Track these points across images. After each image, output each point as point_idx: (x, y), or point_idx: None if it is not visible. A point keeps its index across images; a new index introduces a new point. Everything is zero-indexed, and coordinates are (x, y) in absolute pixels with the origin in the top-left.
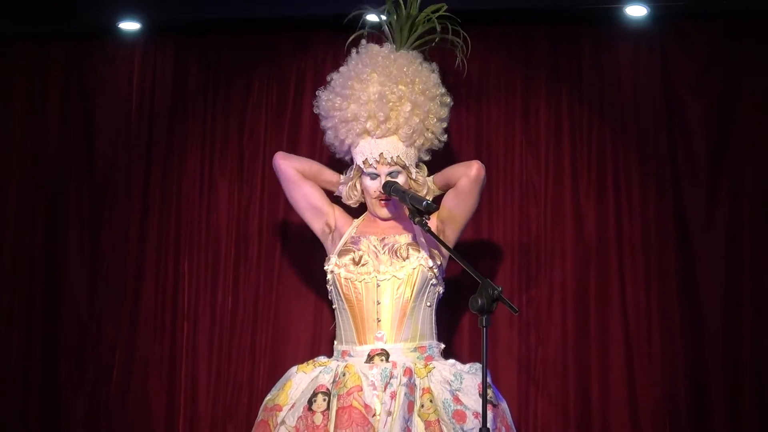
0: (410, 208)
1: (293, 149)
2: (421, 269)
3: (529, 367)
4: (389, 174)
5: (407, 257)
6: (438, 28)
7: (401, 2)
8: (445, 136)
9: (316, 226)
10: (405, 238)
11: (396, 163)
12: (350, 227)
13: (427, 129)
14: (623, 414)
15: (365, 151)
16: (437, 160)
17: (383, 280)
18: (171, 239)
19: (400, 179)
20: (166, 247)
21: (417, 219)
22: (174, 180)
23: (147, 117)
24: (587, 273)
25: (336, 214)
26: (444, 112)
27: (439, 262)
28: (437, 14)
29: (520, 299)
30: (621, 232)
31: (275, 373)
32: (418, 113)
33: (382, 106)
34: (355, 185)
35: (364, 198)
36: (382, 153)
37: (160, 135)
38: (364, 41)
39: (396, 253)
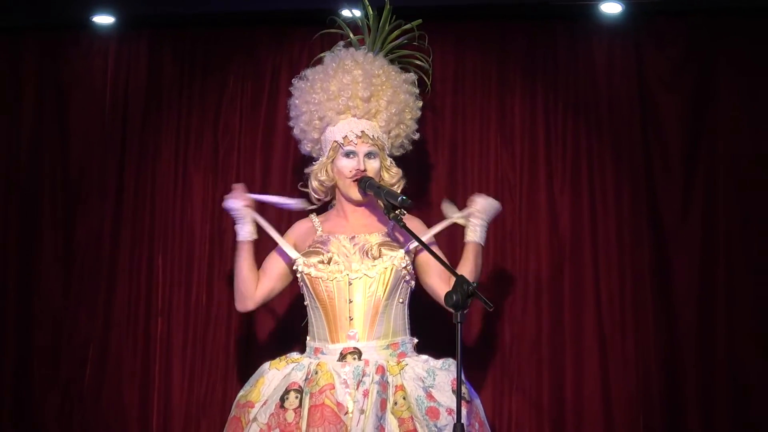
0: (385, 204)
1: (268, 144)
2: (394, 269)
3: (503, 362)
4: (367, 154)
5: (379, 257)
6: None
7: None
8: (417, 136)
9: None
10: (376, 237)
11: (375, 144)
12: (314, 230)
13: (403, 122)
14: (597, 409)
15: (345, 128)
16: (413, 159)
17: (355, 278)
18: (145, 235)
19: (375, 164)
20: (140, 243)
21: (392, 215)
22: (148, 175)
23: (121, 112)
24: (562, 268)
25: (294, 243)
26: (417, 113)
27: (411, 258)
28: (407, 35)
29: (495, 295)
30: (595, 227)
31: (250, 369)
32: (397, 102)
33: (367, 85)
34: (326, 169)
35: (334, 182)
36: (363, 131)
37: (135, 130)
38: (342, 43)
39: (367, 253)
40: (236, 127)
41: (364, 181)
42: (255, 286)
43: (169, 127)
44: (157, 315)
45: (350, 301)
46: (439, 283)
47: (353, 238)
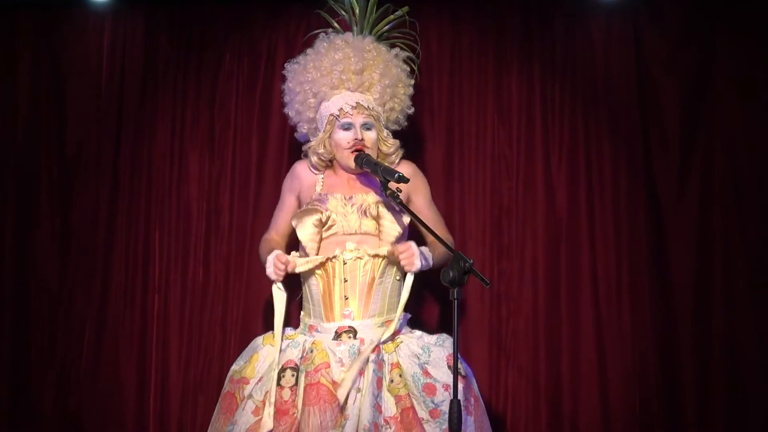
0: (382, 180)
1: (264, 122)
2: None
3: (500, 339)
4: (363, 125)
5: (377, 215)
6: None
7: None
8: (411, 110)
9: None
10: (373, 197)
11: (371, 114)
12: (315, 185)
13: (396, 96)
14: (593, 387)
15: (340, 101)
16: (409, 137)
17: (350, 259)
18: (141, 212)
19: (372, 134)
20: (136, 220)
21: (389, 191)
22: (144, 153)
23: (117, 89)
24: (558, 246)
25: (299, 190)
26: (411, 90)
27: (404, 226)
28: (395, 20)
29: (492, 272)
30: (592, 206)
31: (246, 345)
32: (390, 75)
33: (359, 59)
34: (324, 143)
35: (332, 155)
36: (358, 102)
37: (131, 107)
38: (330, 30)
39: (365, 212)
40: (232, 105)
41: (361, 158)
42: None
43: (165, 105)
44: (154, 292)
45: (345, 281)
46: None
47: (351, 198)
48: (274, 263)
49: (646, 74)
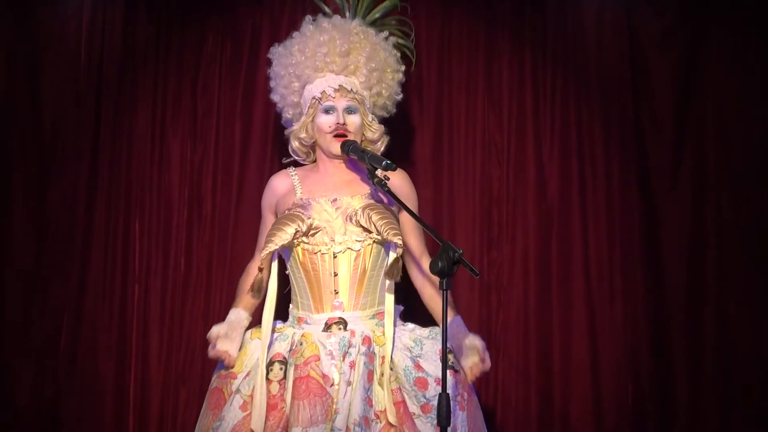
0: (369, 168)
1: (248, 105)
2: (376, 244)
3: (489, 330)
4: (347, 109)
5: (367, 222)
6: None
7: None
8: (400, 96)
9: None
10: (359, 200)
11: (354, 98)
12: (294, 189)
13: (383, 81)
14: (585, 378)
15: (323, 84)
16: (398, 122)
17: (339, 252)
18: (121, 199)
19: (355, 119)
20: (115, 207)
21: (376, 179)
22: (124, 137)
23: (96, 71)
24: (549, 234)
25: (276, 203)
26: (399, 75)
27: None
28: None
29: (481, 261)
30: (584, 192)
31: None
32: (377, 60)
33: (344, 41)
34: (307, 127)
35: (314, 140)
36: (341, 84)
37: (110, 90)
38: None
39: (350, 218)
40: (215, 88)
41: (347, 145)
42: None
43: (146, 88)
44: (134, 281)
45: (335, 275)
46: (410, 257)
47: (335, 201)
48: (214, 352)
49: (639, 56)
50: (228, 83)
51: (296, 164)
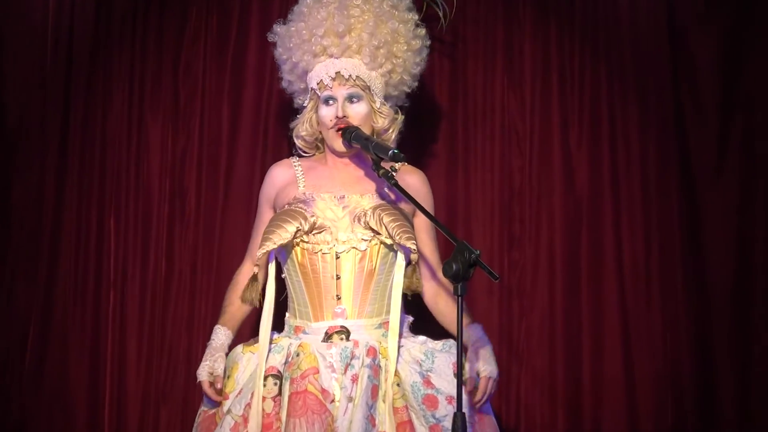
0: (373, 158)
1: (237, 88)
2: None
3: (511, 341)
4: (349, 98)
5: (377, 224)
6: None
7: None
8: (419, 68)
9: None
10: (369, 200)
11: (356, 84)
12: (296, 182)
13: (394, 56)
14: (618, 393)
15: (320, 72)
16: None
17: (343, 251)
18: (94, 193)
19: (360, 108)
20: (88, 202)
21: (381, 171)
22: (97, 124)
23: (65, 51)
24: (578, 232)
25: (275, 195)
26: (417, 43)
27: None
28: None
29: (501, 263)
30: (617, 184)
31: None
32: (383, 33)
33: (342, 19)
34: (309, 122)
35: (317, 135)
36: (339, 71)
37: (81, 71)
38: None
39: (359, 219)
40: (199, 69)
41: (348, 132)
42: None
43: (122, 68)
44: (109, 286)
45: (338, 278)
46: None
47: (342, 198)
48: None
49: (679, 30)
50: (214, 63)
51: (300, 155)
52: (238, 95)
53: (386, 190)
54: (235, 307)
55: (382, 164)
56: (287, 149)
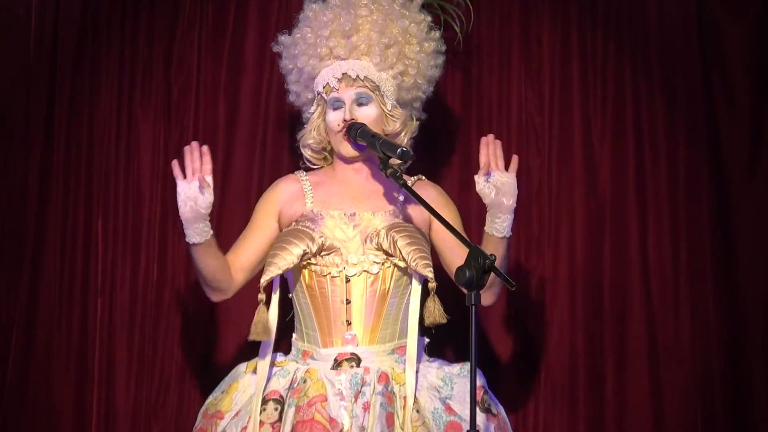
0: (381, 157)
1: (234, 83)
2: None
3: (528, 354)
4: (357, 100)
5: (390, 246)
6: None
7: None
8: (434, 72)
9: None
10: (382, 219)
11: (364, 85)
12: (303, 197)
13: (408, 56)
14: (644, 408)
15: (327, 75)
16: None
17: (354, 275)
18: (81, 193)
19: (369, 110)
20: (74, 203)
21: (390, 171)
22: (84, 120)
23: (50, 43)
24: (601, 236)
25: (279, 210)
26: (430, 45)
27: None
28: None
29: (518, 270)
30: (643, 184)
31: (213, 364)
32: (392, 33)
33: (349, 18)
34: (317, 130)
35: (325, 144)
36: (346, 72)
37: (67, 65)
38: None
39: (370, 240)
40: (194, 62)
41: (354, 129)
42: (229, 274)
43: (110, 61)
44: (97, 293)
45: (348, 302)
46: (454, 261)
47: (353, 216)
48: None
49: (710, 18)
50: (209, 55)
51: (307, 168)
52: (235, 90)
53: (406, 208)
54: (217, 265)
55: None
56: (287, 148)
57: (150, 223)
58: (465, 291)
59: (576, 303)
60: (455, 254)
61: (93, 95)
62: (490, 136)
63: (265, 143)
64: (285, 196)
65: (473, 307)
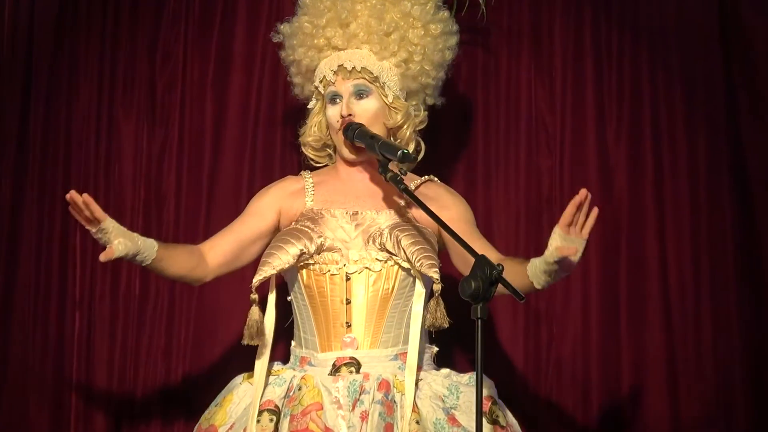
0: (380, 160)
1: (223, 78)
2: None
3: (539, 371)
4: (356, 93)
5: (394, 246)
6: None
7: None
8: (442, 56)
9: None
10: (386, 218)
11: (362, 76)
12: (304, 196)
13: (412, 42)
14: (663, 423)
15: (323, 68)
16: None
17: (354, 272)
18: (58, 199)
19: (369, 104)
20: (50, 212)
21: (389, 174)
22: (61, 120)
23: (24, 34)
24: (617, 245)
25: (279, 206)
26: (437, 27)
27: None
28: None
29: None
30: (661, 188)
31: (199, 381)
32: (394, 14)
33: (346, 5)
34: (319, 125)
35: (325, 141)
36: (341, 64)
37: (42, 60)
38: None
39: (373, 239)
40: (180, 55)
41: (351, 130)
42: (200, 268)
43: (90, 57)
44: (74, 308)
45: (348, 302)
46: (463, 266)
47: (355, 215)
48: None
49: (733, 11)
50: (196, 50)
51: (313, 168)
52: (224, 87)
53: (411, 207)
54: (180, 248)
55: (391, 167)
56: (279, 148)
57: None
58: (471, 303)
59: (589, 317)
60: (463, 259)
61: (71, 93)
62: (585, 196)
63: (255, 144)
64: (287, 191)
65: (479, 321)
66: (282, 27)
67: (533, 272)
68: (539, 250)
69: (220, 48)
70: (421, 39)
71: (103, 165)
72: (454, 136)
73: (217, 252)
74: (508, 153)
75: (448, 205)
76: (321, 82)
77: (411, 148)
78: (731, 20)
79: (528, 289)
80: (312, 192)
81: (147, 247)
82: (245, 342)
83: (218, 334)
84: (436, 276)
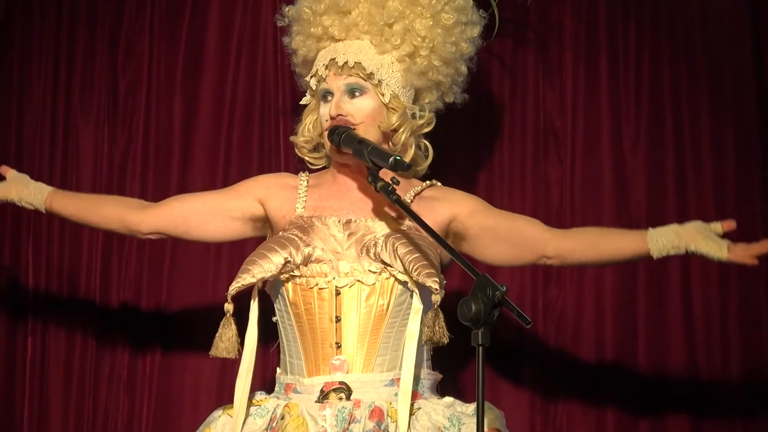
0: (370, 167)
1: (193, 76)
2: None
3: (546, 408)
4: (348, 91)
5: (390, 256)
6: None
7: None
8: (456, 50)
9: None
10: (382, 226)
11: (356, 72)
12: (295, 200)
13: (418, 33)
14: None
15: (318, 62)
16: None
17: (345, 286)
18: (7, 213)
19: (363, 103)
20: (0, 222)
21: (380, 184)
22: (11, 122)
23: None
24: (634, 264)
25: (264, 198)
26: (449, 17)
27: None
28: None
29: (535, 304)
30: (685, 201)
31: (168, 416)
32: (400, 2)
33: None
34: (313, 123)
35: (318, 141)
36: (333, 57)
37: None
38: None
39: (367, 250)
40: (145, 50)
41: (337, 135)
42: (127, 208)
43: (43, 48)
44: (26, 335)
45: (338, 320)
46: (509, 249)
47: (348, 223)
48: None
49: (763, 5)
50: (163, 44)
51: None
52: (194, 86)
53: (407, 222)
54: (100, 203)
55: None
56: (256, 152)
57: (91, 249)
58: (471, 328)
59: (604, 344)
60: (479, 218)
61: (22, 91)
62: None
63: (229, 148)
64: (278, 183)
65: (480, 348)
66: (287, 10)
67: (669, 238)
68: (549, 270)
69: (190, 41)
70: (430, 30)
71: (59, 172)
72: (452, 144)
73: (171, 207)
74: (512, 161)
75: (459, 202)
76: (313, 76)
77: (409, 154)
78: (762, 16)
79: (629, 256)
80: (304, 197)
81: (35, 193)
82: (212, 353)
83: (192, 362)
84: (435, 286)
